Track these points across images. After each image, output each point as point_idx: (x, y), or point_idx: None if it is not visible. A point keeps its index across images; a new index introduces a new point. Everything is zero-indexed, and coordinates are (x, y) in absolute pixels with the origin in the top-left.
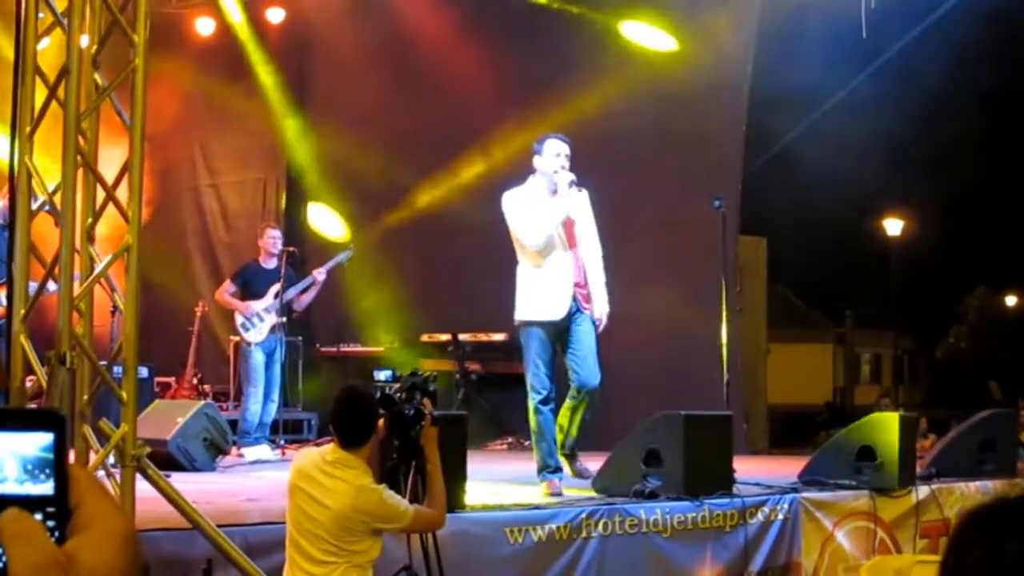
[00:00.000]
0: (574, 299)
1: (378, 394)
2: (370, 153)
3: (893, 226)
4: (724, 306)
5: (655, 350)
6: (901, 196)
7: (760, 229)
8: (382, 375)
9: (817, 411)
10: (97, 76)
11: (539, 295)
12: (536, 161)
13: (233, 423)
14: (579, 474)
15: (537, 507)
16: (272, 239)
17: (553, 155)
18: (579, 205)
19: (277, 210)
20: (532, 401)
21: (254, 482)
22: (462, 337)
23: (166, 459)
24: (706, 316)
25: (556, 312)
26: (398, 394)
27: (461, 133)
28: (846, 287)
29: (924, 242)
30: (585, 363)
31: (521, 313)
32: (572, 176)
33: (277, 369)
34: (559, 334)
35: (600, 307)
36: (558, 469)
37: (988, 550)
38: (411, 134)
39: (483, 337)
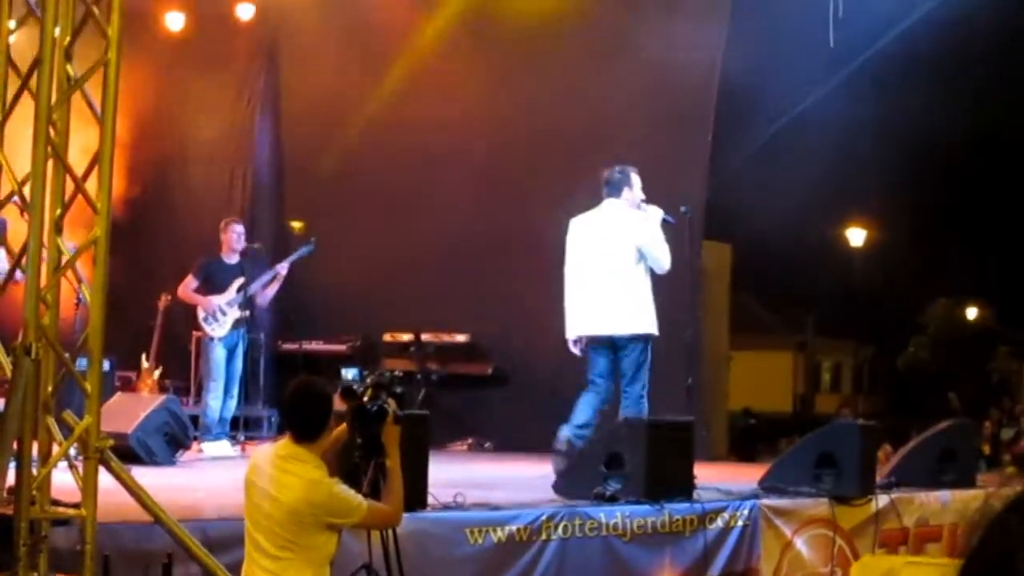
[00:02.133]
0: None
1: (340, 388)
2: (336, 147)
3: (856, 236)
4: (688, 312)
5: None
6: (865, 206)
7: (724, 236)
8: (349, 373)
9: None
10: (69, 67)
11: (654, 312)
12: (626, 192)
13: (194, 418)
14: None
15: (497, 508)
16: (235, 234)
17: (639, 187)
18: None
19: (242, 204)
20: (646, 403)
21: (214, 477)
22: (424, 337)
23: (126, 452)
24: (669, 322)
25: None
26: (362, 389)
27: (430, 127)
28: (808, 295)
29: (886, 252)
30: None
31: (652, 325)
32: (662, 212)
33: (238, 365)
34: None
35: None
36: None
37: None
38: (379, 128)
39: (445, 337)
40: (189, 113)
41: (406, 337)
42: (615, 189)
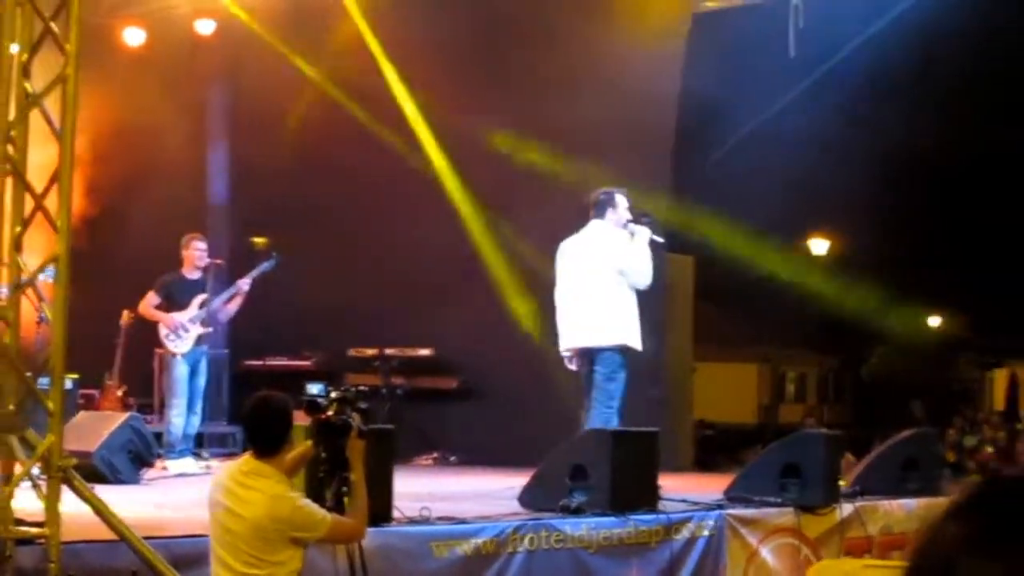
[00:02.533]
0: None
1: (304, 402)
2: (300, 163)
3: (819, 245)
4: (652, 325)
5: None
6: (827, 216)
7: (688, 248)
8: (314, 388)
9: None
10: (28, 84)
11: (636, 327)
12: (609, 213)
13: (158, 436)
14: None
15: (463, 521)
16: (198, 251)
17: (625, 208)
18: None
19: (204, 221)
20: (615, 419)
21: (178, 495)
22: (388, 352)
23: (90, 471)
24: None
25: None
26: (325, 403)
27: (394, 145)
28: (772, 307)
29: (850, 262)
30: None
31: (628, 337)
32: (651, 233)
33: (201, 381)
34: None
35: None
36: None
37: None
38: (342, 144)
39: (409, 352)
40: (149, 129)
41: (370, 352)
42: (600, 210)
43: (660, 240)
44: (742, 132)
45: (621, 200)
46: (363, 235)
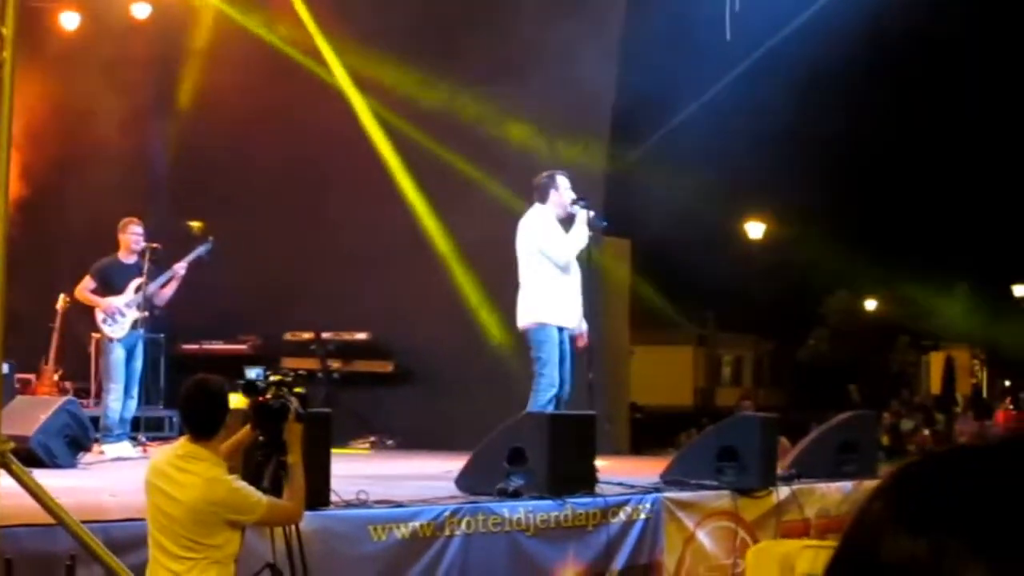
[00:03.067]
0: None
1: (241, 385)
2: (234, 147)
3: (755, 229)
4: (588, 308)
5: (519, 349)
6: (764, 199)
7: (624, 231)
8: (252, 372)
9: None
10: None
11: (557, 302)
12: (551, 195)
13: (95, 420)
14: None
15: (400, 505)
16: (134, 235)
17: (567, 189)
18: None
19: (139, 205)
20: (548, 392)
21: (116, 479)
22: (325, 335)
23: (27, 456)
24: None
25: (569, 321)
26: (263, 386)
27: (327, 128)
28: (708, 290)
29: (786, 245)
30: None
31: (538, 315)
32: (592, 212)
33: (138, 365)
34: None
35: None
36: None
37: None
38: (276, 128)
39: (346, 336)
40: (84, 113)
41: (307, 336)
42: (542, 194)
43: (601, 222)
44: (679, 114)
45: (562, 181)
46: (300, 217)
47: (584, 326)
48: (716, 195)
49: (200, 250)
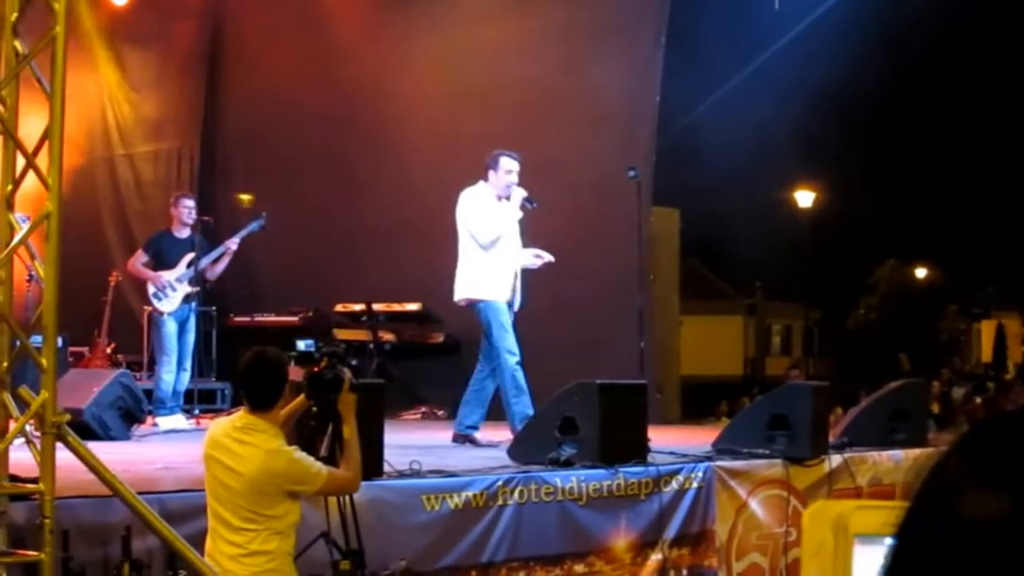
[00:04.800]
0: (512, 291)
1: (295, 355)
2: (283, 119)
3: (804, 198)
4: (638, 278)
5: (570, 320)
6: (813, 168)
7: (673, 201)
8: (303, 344)
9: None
10: (17, 43)
11: (489, 277)
12: (491, 175)
13: (148, 392)
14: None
15: (453, 475)
16: (186, 208)
17: (505, 172)
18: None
19: (191, 179)
20: (510, 361)
21: (169, 450)
22: (376, 307)
23: (82, 427)
24: (620, 287)
25: (503, 295)
26: (317, 357)
27: (378, 102)
28: (757, 259)
29: (835, 214)
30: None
31: (471, 291)
32: (526, 193)
33: (190, 339)
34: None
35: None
36: None
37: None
38: (327, 100)
39: (397, 307)
40: (136, 88)
41: (358, 307)
42: (485, 171)
43: (531, 204)
44: (729, 82)
45: (505, 163)
46: (350, 190)
47: (517, 304)
48: (765, 164)
49: (253, 225)
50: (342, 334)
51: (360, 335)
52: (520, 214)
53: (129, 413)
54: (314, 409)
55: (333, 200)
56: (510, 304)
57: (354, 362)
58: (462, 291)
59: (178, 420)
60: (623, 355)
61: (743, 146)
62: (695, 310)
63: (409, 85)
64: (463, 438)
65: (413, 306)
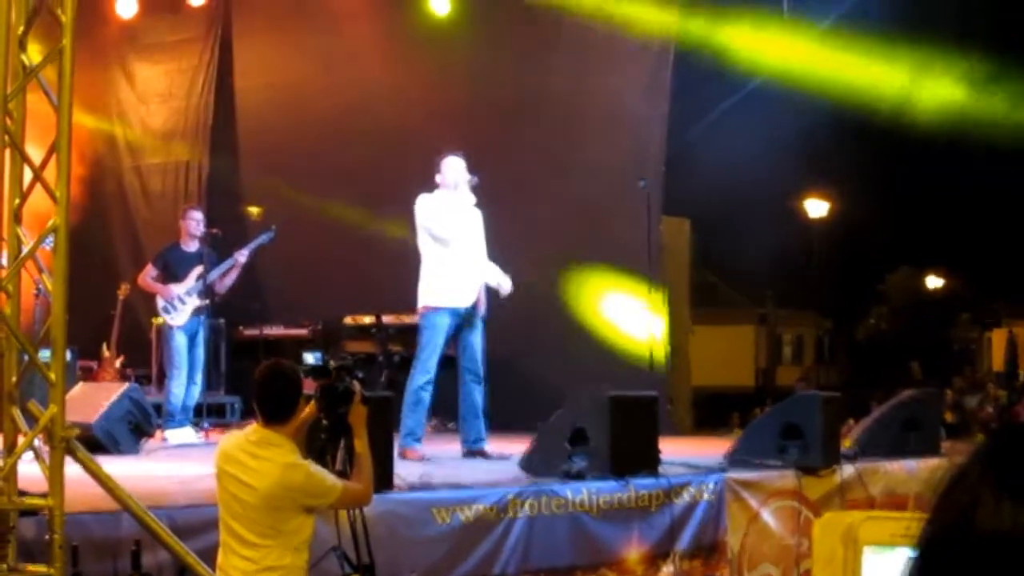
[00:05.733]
0: (469, 294)
1: (309, 368)
2: (293, 131)
3: (815, 207)
4: (648, 287)
5: (580, 330)
6: (824, 175)
7: (683, 210)
8: (311, 357)
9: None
10: (24, 56)
11: (446, 282)
12: (438, 179)
13: (157, 407)
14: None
15: (464, 487)
16: (194, 221)
17: (449, 169)
18: (477, 219)
19: (200, 191)
20: (419, 379)
21: (179, 465)
22: (386, 319)
23: (91, 442)
24: (630, 297)
25: (457, 299)
26: (329, 369)
27: (392, 112)
28: (768, 268)
29: (846, 223)
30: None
31: (427, 298)
32: (470, 177)
33: (200, 352)
34: (460, 322)
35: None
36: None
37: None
38: (336, 110)
39: (407, 319)
40: (143, 101)
41: (367, 319)
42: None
43: (473, 179)
44: (738, 91)
45: (448, 163)
46: (361, 200)
47: (482, 310)
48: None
49: (262, 238)
50: (352, 346)
51: (370, 347)
52: (479, 215)
53: (138, 427)
54: (324, 422)
55: (343, 212)
56: (468, 311)
57: (360, 374)
58: (421, 298)
59: (188, 434)
60: (634, 366)
61: (754, 154)
62: (706, 320)
63: (424, 95)
64: (472, 453)
65: None
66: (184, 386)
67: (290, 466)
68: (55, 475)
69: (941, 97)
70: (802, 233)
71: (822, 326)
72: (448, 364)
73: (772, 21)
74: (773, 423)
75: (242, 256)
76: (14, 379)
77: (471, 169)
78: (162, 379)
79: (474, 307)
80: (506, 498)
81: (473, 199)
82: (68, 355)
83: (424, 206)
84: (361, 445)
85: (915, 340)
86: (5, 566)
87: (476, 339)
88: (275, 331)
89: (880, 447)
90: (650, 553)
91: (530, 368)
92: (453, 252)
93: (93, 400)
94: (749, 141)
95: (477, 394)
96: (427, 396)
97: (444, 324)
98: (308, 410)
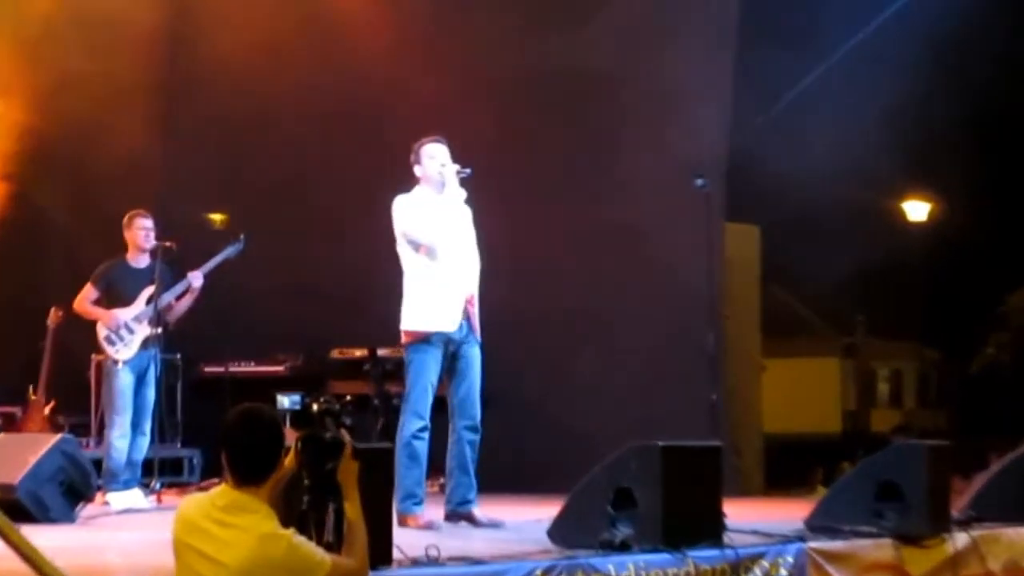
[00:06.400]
0: (465, 315)
1: (292, 414)
2: (269, 119)
3: (917, 210)
4: (707, 311)
5: (624, 365)
6: (927, 173)
7: (752, 216)
8: (287, 400)
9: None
10: None
11: (433, 302)
12: (417, 170)
13: (97, 463)
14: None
15: (479, 561)
16: (143, 231)
17: (429, 158)
18: (465, 217)
19: (151, 195)
20: (411, 425)
21: (125, 535)
22: (381, 352)
23: (14, 506)
24: (685, 326)
25: (445, 322)
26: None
27: (372, 119)
28: (857, 287)
29: (956, 229)
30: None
31: (411, 322)
32: (458, 167)
33: (150, 394)
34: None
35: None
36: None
37: None
38: (317, 120)
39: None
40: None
41: (358, 353)
42: (412, 172)
43: (465, 173)
44: (817, 70)
45: (427, 150)
46: (347, 211)
47: (477, 336)
48: (868, 170)
49: (228, 251)
50: (339, 386)
51: (362, 388)
52: (468, 211)
53: (73, 489)
54: (306, 481)
55: (329, 222)
56: (462, 337)
57: (350, 421)
58: (405, 323)
59: (134, 497)
60: (692, 409)
61: (837, 147)
62: (780, 351)
63: (430, 79)
64: (457, 516)
65: None
66: (129, 437)
67: (268, 537)
68: None
69: None
70: (900, 242)
71: (926, 358)
72: (439, 406)
73: None
74: (865, 480)
75: (196, 278)
76: None
77: (482, 164)
78: (103, 429)
79: (469, 330)
80: (533, 575)
81: (463, 194)
82: None
83: (401, 208)
84: (353, 510)
85: None
86: None
87: (473, 374)
88: (244, 368)
89: (1001, 509)
90: None
91: (554, 411)
92: (441, 263)
93: (16, 456)
94: (834, 127)
95: (470, 444)
96: (423, 447)
97: (434, 356)
98: (285, 464)
